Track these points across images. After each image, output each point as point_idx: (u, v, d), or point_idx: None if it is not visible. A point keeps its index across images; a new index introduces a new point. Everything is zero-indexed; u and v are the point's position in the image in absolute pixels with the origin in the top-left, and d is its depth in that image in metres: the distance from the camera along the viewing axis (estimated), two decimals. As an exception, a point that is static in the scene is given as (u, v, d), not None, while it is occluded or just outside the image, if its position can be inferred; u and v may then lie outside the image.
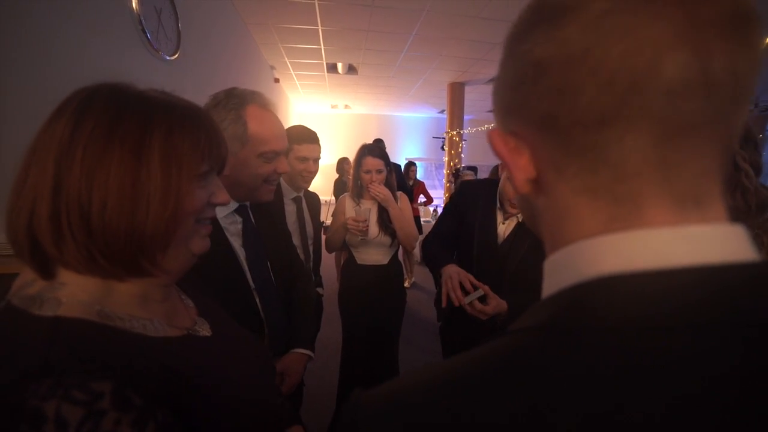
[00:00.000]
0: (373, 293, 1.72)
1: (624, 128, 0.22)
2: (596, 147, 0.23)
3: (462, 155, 6.51)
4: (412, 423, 0.22)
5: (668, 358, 0.19)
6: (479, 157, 7.28)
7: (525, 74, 0.25)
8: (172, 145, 0.40)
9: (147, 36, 1.81)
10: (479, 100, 7.10)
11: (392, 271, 1.78)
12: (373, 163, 1.66)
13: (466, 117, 6.44)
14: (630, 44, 0.21)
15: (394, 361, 1.82)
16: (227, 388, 0.45)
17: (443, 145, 7.54)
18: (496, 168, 2.90)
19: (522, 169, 0.27)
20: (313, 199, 1.67)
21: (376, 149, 1.70)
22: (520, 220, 1.30)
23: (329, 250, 1.79)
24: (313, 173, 1.51)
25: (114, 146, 0.37)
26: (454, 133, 6.29)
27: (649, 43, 0.21)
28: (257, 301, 0.95)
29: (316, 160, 1.52)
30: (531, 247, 1.28)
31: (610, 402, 0.18)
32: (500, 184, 1.31)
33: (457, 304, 1.14)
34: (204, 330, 0.51)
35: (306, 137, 1.49)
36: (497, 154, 0.28)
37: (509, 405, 0.20)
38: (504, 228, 1.34)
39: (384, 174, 1.68)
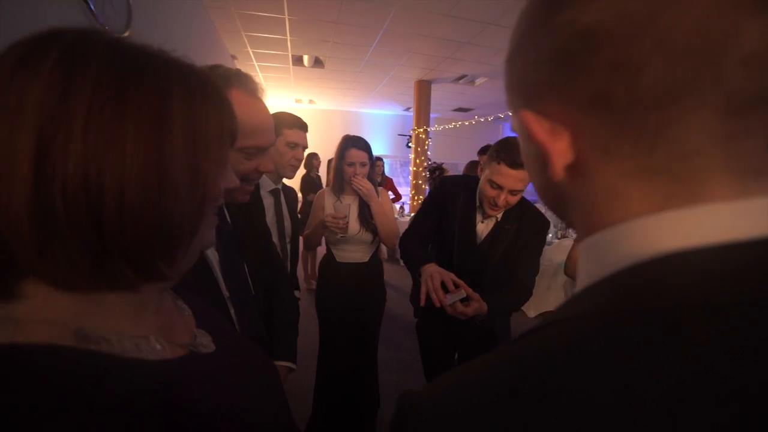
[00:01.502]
0: (354, 292, 1.66)
1: (692, 105, 0.20)
2: (656, 127, 0.21)
3: (428, 152, 6.57)
4: None
5: (746, 333, 0.18)
6: (444, 154, 7.40)
7: (568, 48, 0.22)
8: (195, 120, 0.32)
9: (90, 6, 1.58)
10: (445, 99, 7.20)
11: (373, 269, 1.72)
12: (357, 155, 1.58)
13: (431, 115, 6.49)
14: (705, 9, 0.19)
15: (374, 361, 1.77)
16: (239, 418, 0.37)
17: (408, 142, 7.57)
18: (471, 164, 2.90)
19: (561, 154, 0.25)
20: (291, 193, 1.57)
21: (360, 141, 1.62)
22: (499, 219, 1.31)
23: (307, 248, 1.71)
24: (300, 162, 1.42)
25: (127, 117, 0.28)
26: (421, 130, 6.33)
27: (726, 6, 0.19)
28: (232, 311, 0.86)
29: (305, 149, 1.43)
30: (509, 247, 1.29)
31: (695, 371, 0.17)
32: (479, 185, 1.30)
33: (438, 304, 1.10)
34: (206, 345, 0.43)
35: (297, 123, 1.40)
36: (534, 138, 0.25)
37: (593, 392, 0.18)
38: (483, 227, 1.34)
39: (368, 167, 1.61)
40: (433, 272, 1.15)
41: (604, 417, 0.17)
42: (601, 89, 0.22)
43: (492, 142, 3.65)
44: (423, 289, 1.14)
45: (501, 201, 1.18)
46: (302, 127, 1.42)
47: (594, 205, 0.25)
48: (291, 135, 1.37)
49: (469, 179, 1.42)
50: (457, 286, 1.13)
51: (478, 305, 1.13)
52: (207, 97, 0.33)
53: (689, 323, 0.18)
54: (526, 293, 1.29)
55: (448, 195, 1.39)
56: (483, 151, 2.75)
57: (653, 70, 0.20)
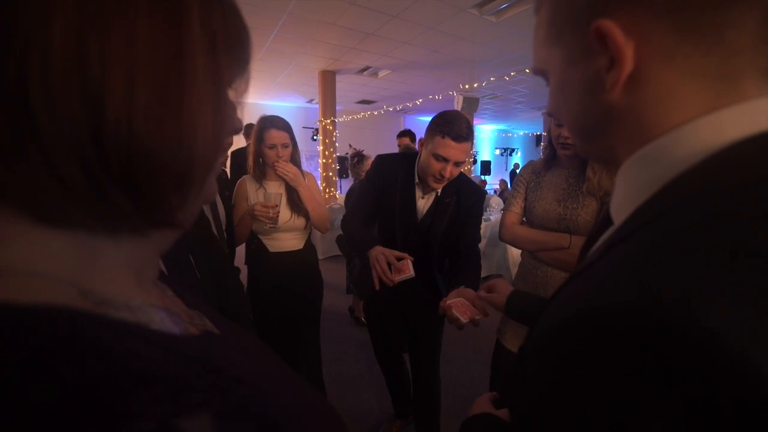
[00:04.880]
0: (291, 282, 1.57)
1: (749, 5, 0.24)
2: (718, 27, 0.25)
3: (336, 144, 6.52)
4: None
5: None
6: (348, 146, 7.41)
7: None
8: (212, 19, 0.24)
9: None
10: (349, 91, 7.21)
11: (308, 255, 1.65)
12: (277, 136, 1.46)
13: (336, 107, 6.45)
14: None
15: (317, 351, 1.71)
16: (290, 403, 0.32)
17: (314, 135, 7.39)
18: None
19: (628, 61, 0.27)
20: (220, 180, 1.40)
21: (279, 121, 1.49)
22: (439, 194, 1.34)
23: (235, 243, 1.55)
24: (229, 144, 1.27)
25: None
26: (328, 121, 6.24)
27: None
28: None
29: (286, 145, 1.31)
30: (450, 220, 1.34)
31: None
32: (421, 161, 1.31)
33: (391, 284, 1.14)
34: (210, 327, 0.36)
35: (276, 124, 1.30)
36: (614, 46, 0.27)
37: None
38: (423, 203, 1.36)
39: (290, 149, 1.51)
40: (377, 255, 1.16)
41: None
42: None
43: (394, 133, 3.71)
44: (374, 274, 1.15)
45: (447, 173, 1.22)
46: (283, 127, 1.32)
47: (649, 113, 0.28)
48: None
49: (405, 157, 1.42)
50: (401, 259, 1.17)
51: (471, 294, 1.11)
52: (224, 2, 0.26)
53: None
54: (478, 259, 1.37)
55: (386, 173, 1.38)
56: (402, 134, 2.89)
57: None
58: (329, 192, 6.42)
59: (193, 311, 0.37)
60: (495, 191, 9.37)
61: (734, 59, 0.25)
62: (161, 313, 0.26)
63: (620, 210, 0.32)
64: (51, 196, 0.20)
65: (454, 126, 1.18)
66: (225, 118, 0.27)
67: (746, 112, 0.26)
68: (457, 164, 1.23)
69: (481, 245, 4.01)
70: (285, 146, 1.48)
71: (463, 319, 0.96)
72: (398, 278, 1.14)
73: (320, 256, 4.93)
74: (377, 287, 1.15)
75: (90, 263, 0.23)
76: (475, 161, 11.33)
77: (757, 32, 0.24)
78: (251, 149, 1.53)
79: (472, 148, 1.29)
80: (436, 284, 1.39)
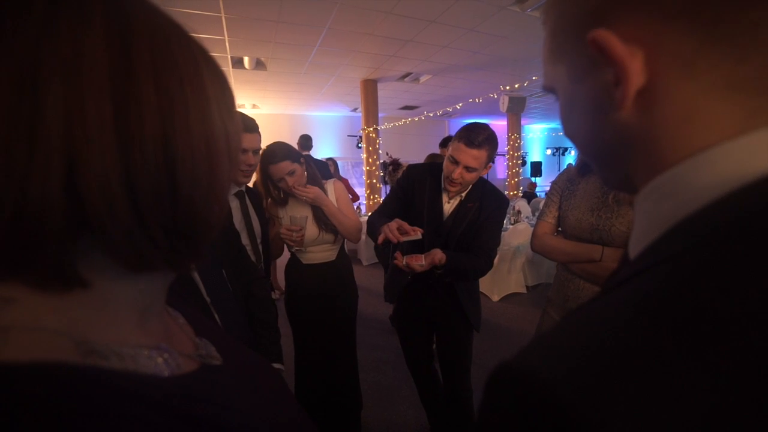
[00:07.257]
0: (325, 292, 1.60)
1: None
2: (753, 26, 0.20)
3: (379, 151, 6.59)
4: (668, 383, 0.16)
5: None
6: (394, 152, 7.46)
7: None
8: (219, 87, 0.30)
9: None
10: (391, 97, 7.27)
11: (342, 266, 1.68)
12: (279, 169, 1.42)
13: (379, 114, 6.52)
14: None
15: (353, 359, 1.73)
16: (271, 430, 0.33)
17: (359, 143, 7.55)
18: (430, 156, 2.95)
19: (636, 75, 0.22)
20: (256, 195, 1.47)
21: (277, 153, 1.43)
22: (463, 198, 1.42)
23: (272, 257, 1.63)
24: (253, 167, 1.32)
25: (184, 78, 0.26)
26: (371, 129, 6.33)
27: None
28: (216, 317, 0.81)
29: (257, 151, 1.32)
30: (471, 223, 1.40)
31: None
32: (445, 170, 1.37)
33: (395, 241, 1.22)
34: (213, 356, 0.37)
35: (244, 125, 1.29)
36: (613, 58, 0.23)
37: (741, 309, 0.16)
38: (448, 207, 1.44)
39: (298, 172, 1.45)
40: (390, 223, 1.27)
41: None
42: None
43: (439, 138, 3.69)
44: (381, 237, 1.25)
45: (456, 175, 1.29)
46: (251, 129, 1.30)
47: (667, 136, 0.23)
48: None
49: (433, 166, 1.49)
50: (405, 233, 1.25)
51: (438, 255, 1.27)
52: (216, 68, 0.31)
53: None
54: (486, 259, 1.39)
55: (416, 180, 1.48)
56: (444, 143, 2.87)
57: None
58: (373, 198, 6.49)
59: (201, 339, 0.39)
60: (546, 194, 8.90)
61: None
62: (153, 353, 0.28)
63: (633, 248, 0.27)
64: (144, 253, 0.25)
65: (470, 133, 1.26)
66: (235, 163, 0.32)
67: None
68: (468, 169, 1.29)
69: (528, 253, 3.81)
70: (291, 173, 1.42)
71: (414, 263, 1.26)
72: (405, 238, 1.23)
73: (364, 263, 5.00)
74: (380, 242, 1.25)
75: (95, 312, 0.26)
76: (524, 162, 10.87)
77: None
78: (261, 186, 1.53)
79: (488, 160, 1.32)
80: (455, 287, 1.44)
